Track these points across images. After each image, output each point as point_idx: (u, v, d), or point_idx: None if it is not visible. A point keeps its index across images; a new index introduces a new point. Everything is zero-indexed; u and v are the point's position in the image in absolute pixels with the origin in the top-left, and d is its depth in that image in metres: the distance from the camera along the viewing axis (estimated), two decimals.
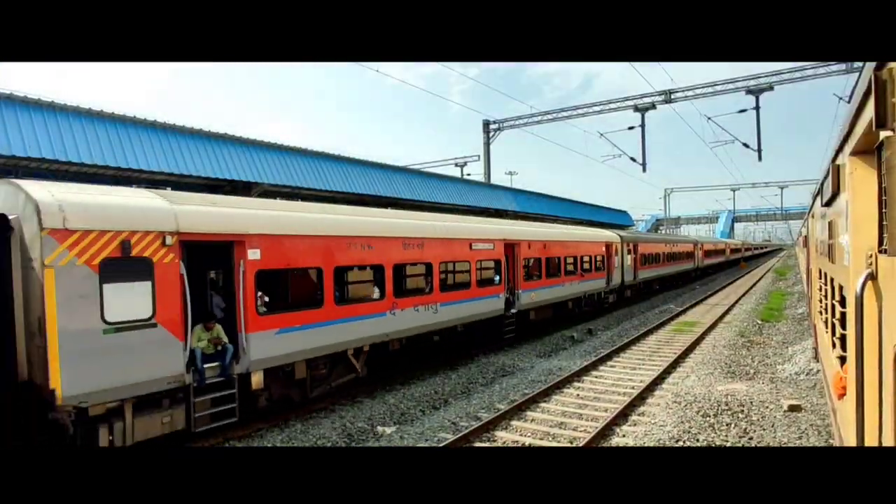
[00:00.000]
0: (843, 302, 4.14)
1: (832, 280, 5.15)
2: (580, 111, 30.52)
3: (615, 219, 45.66)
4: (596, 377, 12.56)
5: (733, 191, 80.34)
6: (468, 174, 40.50)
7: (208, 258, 9.09)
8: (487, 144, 33.12)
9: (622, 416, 9.57)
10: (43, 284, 6.33)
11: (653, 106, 27.93)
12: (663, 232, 75.83)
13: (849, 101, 3.24)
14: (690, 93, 27.59)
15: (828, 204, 4.79)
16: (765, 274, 51.92)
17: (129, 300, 7.08)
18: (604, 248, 23.36)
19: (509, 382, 12.19)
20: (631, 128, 28.30)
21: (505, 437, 8.85)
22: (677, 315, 22.63)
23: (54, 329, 6.38)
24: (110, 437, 7.04)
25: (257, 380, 8.76)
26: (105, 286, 6.81)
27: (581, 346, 16.43)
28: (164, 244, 7.45)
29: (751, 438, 8.50)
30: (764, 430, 8.82)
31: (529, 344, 16.69)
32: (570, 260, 20.15)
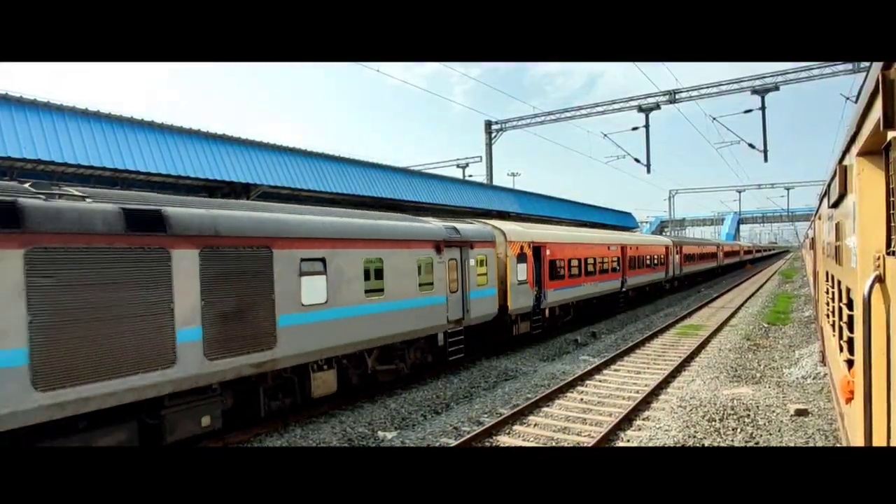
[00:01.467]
0: (850, 305, 4.10)
1: (839, 282, 5.10)
2: (583, 111, 30.33)
3: (619, 221, 45.25)
4: (600, 381, 12.50)
5: (739, 192, 79.76)
6: (470, 175, 40.36)
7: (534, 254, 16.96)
8: (489, 145, 32.99)
9: (626, 420, 9.50)
10: (506, 264, 15.14)
11: (657, 106, 27.73)
12: (667, 233, 76.00)
13: (856, 102, 3.20)
14: (695, 93, 27.39)
15: (835, 205, 4.74)
16: (771, 276, 51.66)
17: (520, 271, 15.73)
18: (664, 250, 32.06)
19: (512, 386, 12.13)
20: (635, 128, 28.07)
21: (507, 441, 8.80)
22: (682, 318, 22.53)
23: (508, 281, 15.17)
24: (517, 329, 15.84)
25: (547, 313, 18.01)
26: (518, 265, 15.57)
27: (585, 350, 16.36)
28: (530, 246, 16.45)
29: (757, 443, 8.42)
30: (770, 434, 8.74)
31: (532, 347, 16.65)
32: (648, 258, 29.22)
